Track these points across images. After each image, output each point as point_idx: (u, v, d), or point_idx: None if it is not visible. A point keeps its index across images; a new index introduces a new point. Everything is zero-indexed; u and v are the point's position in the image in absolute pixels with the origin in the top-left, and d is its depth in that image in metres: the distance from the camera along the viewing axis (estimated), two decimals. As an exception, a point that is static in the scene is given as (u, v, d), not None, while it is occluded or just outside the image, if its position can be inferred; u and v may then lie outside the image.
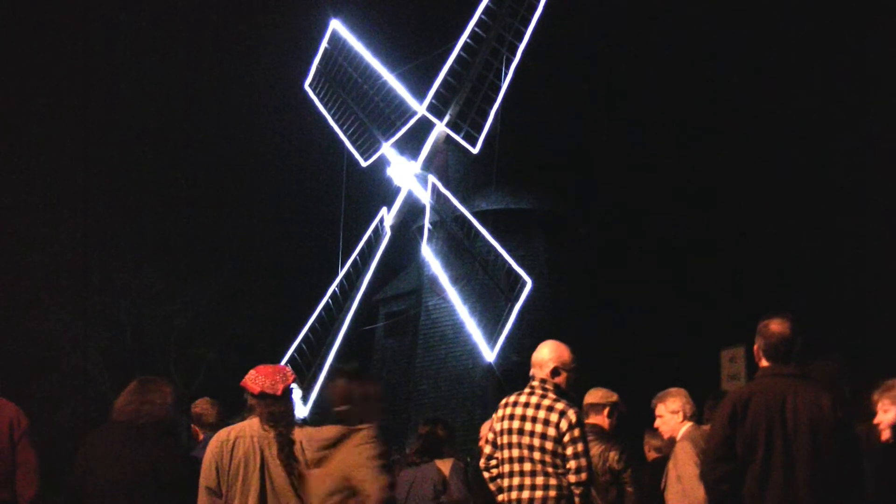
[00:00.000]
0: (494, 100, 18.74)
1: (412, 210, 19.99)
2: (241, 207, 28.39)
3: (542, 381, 5.28)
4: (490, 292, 18.62)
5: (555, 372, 5.29)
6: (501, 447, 5.24)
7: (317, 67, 20.56)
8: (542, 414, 5.14)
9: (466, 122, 18.72)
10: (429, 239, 19.24)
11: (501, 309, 18.05)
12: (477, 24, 18.92)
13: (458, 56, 18.85)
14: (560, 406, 5.15)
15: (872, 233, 21.91)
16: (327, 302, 19.17)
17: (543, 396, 5.21)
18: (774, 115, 25.57)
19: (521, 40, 18.93)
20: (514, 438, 5.18)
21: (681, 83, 26.43)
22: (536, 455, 5.10)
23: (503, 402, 5.35)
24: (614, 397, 6.40)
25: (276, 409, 4.67)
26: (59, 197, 24.39)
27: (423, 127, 19.34)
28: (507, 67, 18.82)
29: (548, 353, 5.35)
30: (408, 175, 19.51)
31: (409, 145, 19.79)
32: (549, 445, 5.09)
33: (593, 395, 6.40)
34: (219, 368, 23.89)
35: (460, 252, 19.35)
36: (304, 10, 22.79)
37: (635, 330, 22.64)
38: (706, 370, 13.73)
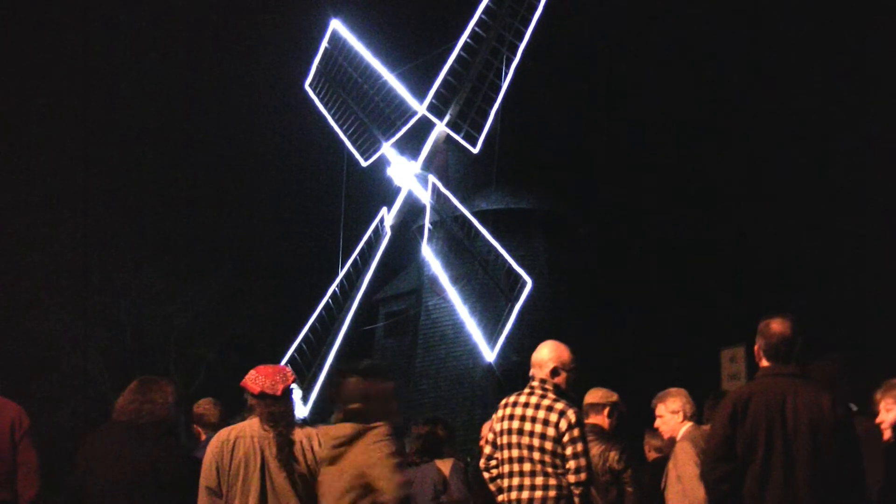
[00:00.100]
0: (494, 100, 18.72)
1: (412, 210, 19.97)
2: (241, 207, 28.44)
3: (542, 381, 5.29)
4: (490, 292, 18.61)
5: (554, 372, 5.29)
6: (501, 447, 5.24)
7: (317, 67, 20.54)
8: (541, 414, 5.14)
9: (466, 122, 18.70)
10: (429, 239, 19.23)
11: (501, 309, 18.04)
12: (477, 24, 18.90)
13: (459, 56, 18.83)
14: (560, 406, 5.15)
15: (872, 233, 21.91)
16: (327, 302, 19.15)
17: (543, 396, 5.21)
18: (774, 115, 25.59)
19: (521, 40, 18.92)
20: (514, 438, 5.18)
21: (681, 83, 26.44)
22: (536, 455, 5.10)
23: (503, 402, 5.35)
24: (614, 397, 6.41)
25: (276, 410, 4.67)
26: (59, 197, 24.35)
27: (424, 127, 19.32)
28: (508, 67, 18.80)
29: (547, 354, 5.35)
30: (408, 175, 19.49)
31: (410, 145, 19.78)
32: (548, 445, 5.09)
33: (593, 395, 6.41)
34: (219, 368, 23.88)
35: (460, 252, 19.34)
36: (304, 10, 22.79)
37: (635, 330, 22.63)
38: (706, 370, 13.73)
